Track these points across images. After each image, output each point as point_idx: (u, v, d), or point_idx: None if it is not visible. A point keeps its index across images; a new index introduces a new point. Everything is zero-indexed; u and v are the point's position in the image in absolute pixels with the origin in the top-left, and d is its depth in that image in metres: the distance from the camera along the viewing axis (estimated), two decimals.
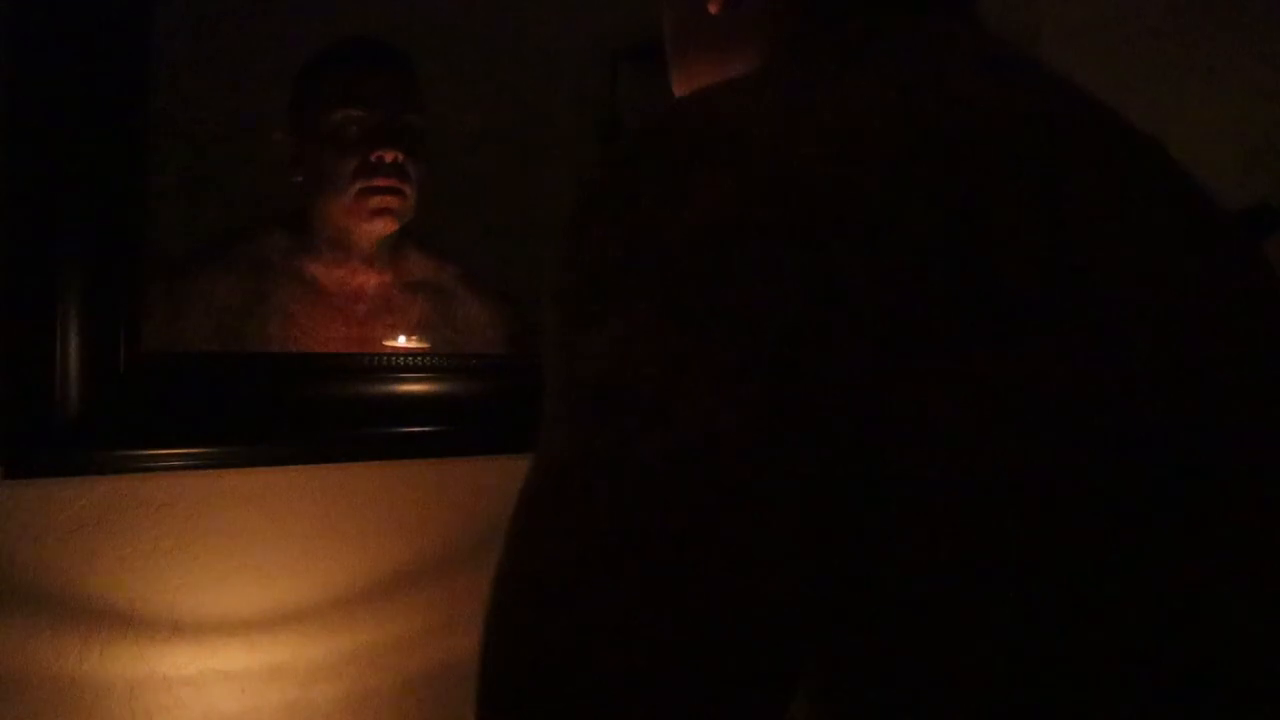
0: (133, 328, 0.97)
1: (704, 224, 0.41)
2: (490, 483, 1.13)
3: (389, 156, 1.14)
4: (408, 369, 1.14)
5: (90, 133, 0.93)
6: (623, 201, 0.43)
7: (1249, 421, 0.45)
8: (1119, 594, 0.40)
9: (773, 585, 0.38)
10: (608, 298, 0.42)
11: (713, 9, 0.60)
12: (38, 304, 0.92)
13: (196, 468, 1.01)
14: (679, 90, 0.65)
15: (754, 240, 0.40)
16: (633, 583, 0.37)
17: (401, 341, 1.20)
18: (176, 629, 0.99)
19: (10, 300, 0.91)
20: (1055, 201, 0.44)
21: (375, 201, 1.16)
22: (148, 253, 0.98)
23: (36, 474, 0.94)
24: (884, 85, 0.46)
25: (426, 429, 1.13)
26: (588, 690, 0.37)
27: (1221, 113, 1.46)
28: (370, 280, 1.20)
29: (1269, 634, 0.43)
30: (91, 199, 0.93)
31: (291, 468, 1.06)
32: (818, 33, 0.56)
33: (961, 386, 0.39)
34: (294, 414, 1.07)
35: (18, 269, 0.91)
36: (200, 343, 1.09)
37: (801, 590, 0.39)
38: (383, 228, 1.18)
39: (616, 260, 0.42)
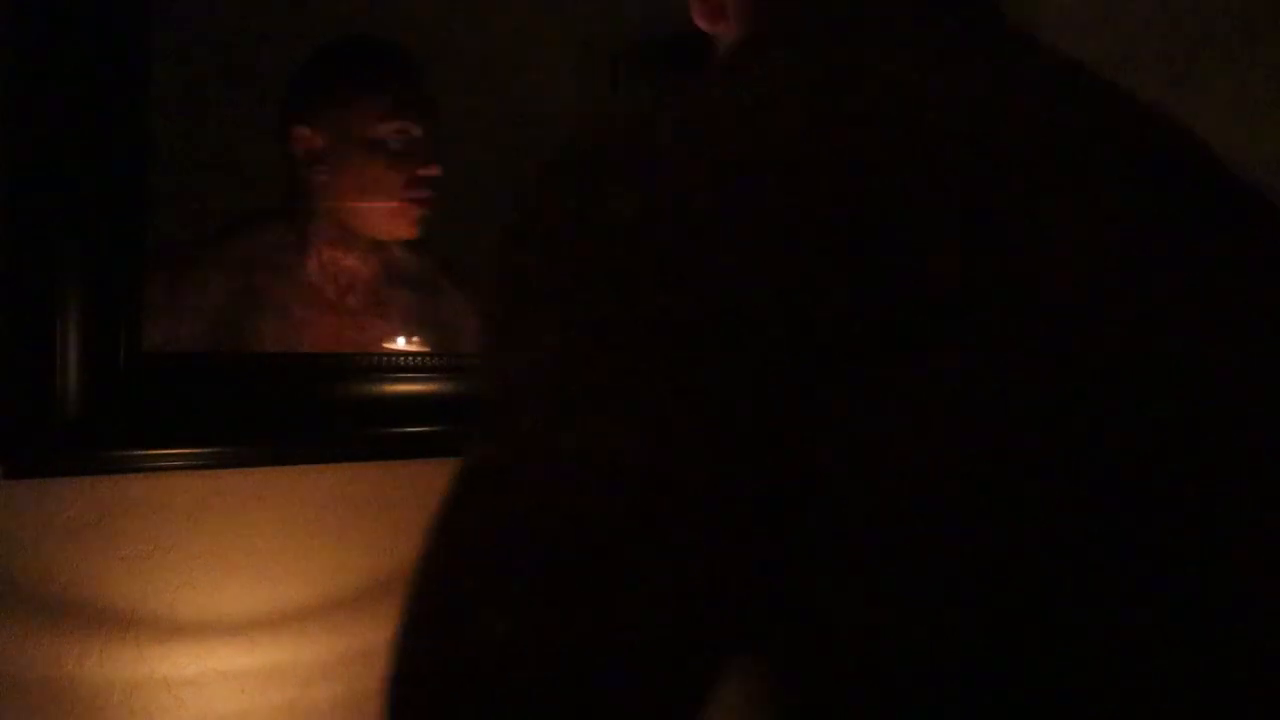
0: (133, 328, 0.97)
1: (611, 234, 0.41)
2: None
3: (435, 172, 1.19)
4: (407, 369, 1.14)
5: (91, 132, 0.93)
6: (543, 213, 0.44)
7: (1214, 423, 0.42)
8: (1055, 601, 0.39)
9: (684, 591, 0.38)
10: (524, 307, 0.42)
11: None
12: (38, 304, 0.92)
13: (196, 468, 1.01)
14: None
15: (659, 249, 0.40)
16: (538, 592, 0.37)
17: (400, 343, 1.20)
18: (176, 629, 0.99)
19: (10, 300, 0.91)
20: (989, 200, 0.42)
21: (418, 213, 1.20)
22: (148, 252, 0.98)
23: (36, 474, 0.94)
24: (808, 85, 0.45)
25: (426, 429, 1.13)
26: (496, 701, 0.36)
27: (1227, 114, 1.46)
28: (361, 273, 1.21)
29: (1213, 635, 0.40)
30: (91, 199, 0.93)
31: (291, 468, 1.06)
32: (776, 22, 0.55)
33: (877, 392, 0.38)
34: (294, 414, 1.07)
35: (18, 269, 0.91)
36: (194, 339, 1.10)
37: (717, 595, 0.39)
38: (412, 233, 1.22)
39: (533, 270, 0.43)
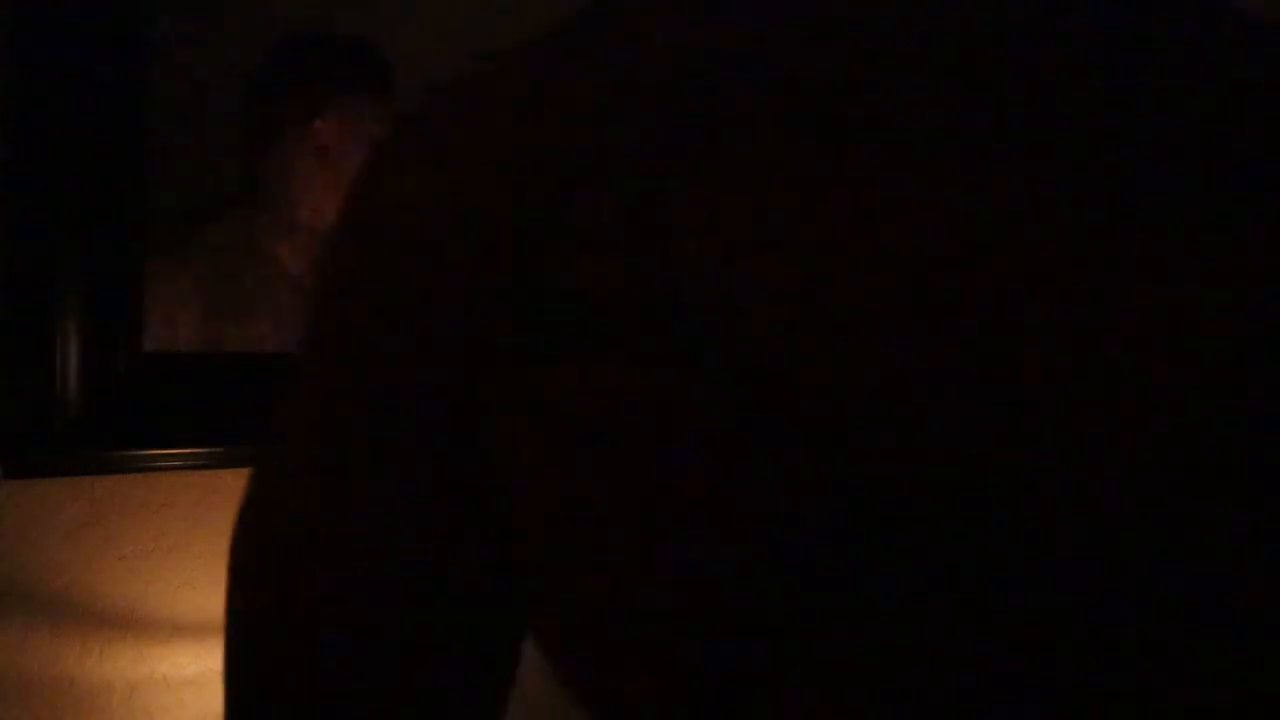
0: (133, 328, 0.97)
1: (326, 247, 0.43)
2: None
3: None
4: None
5: (90, 132, 0.93)
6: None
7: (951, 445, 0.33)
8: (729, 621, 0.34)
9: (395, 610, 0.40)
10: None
11: None
12: (38, 304, 0.92)
13: (196, 468, 1.01)
14: None
15: (340, 257, 0.41)
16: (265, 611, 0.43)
17: None
18: (176, 629, 0.99)
19: (10, 300, 0.91)
20: (682, 184, 0.34)
21: None
22: (147, 252, 0.98)
23: (36, 474, 0.94)
24: (519, 65, 0.42)
25: None
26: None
27: None
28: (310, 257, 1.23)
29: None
30: (91, 199, 0.93)
31: None
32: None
33: (534, 405, 0.35)
34: None
35: (17, 269, 0.91)
36: (184, 331, 1.09)
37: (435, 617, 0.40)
38: None
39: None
